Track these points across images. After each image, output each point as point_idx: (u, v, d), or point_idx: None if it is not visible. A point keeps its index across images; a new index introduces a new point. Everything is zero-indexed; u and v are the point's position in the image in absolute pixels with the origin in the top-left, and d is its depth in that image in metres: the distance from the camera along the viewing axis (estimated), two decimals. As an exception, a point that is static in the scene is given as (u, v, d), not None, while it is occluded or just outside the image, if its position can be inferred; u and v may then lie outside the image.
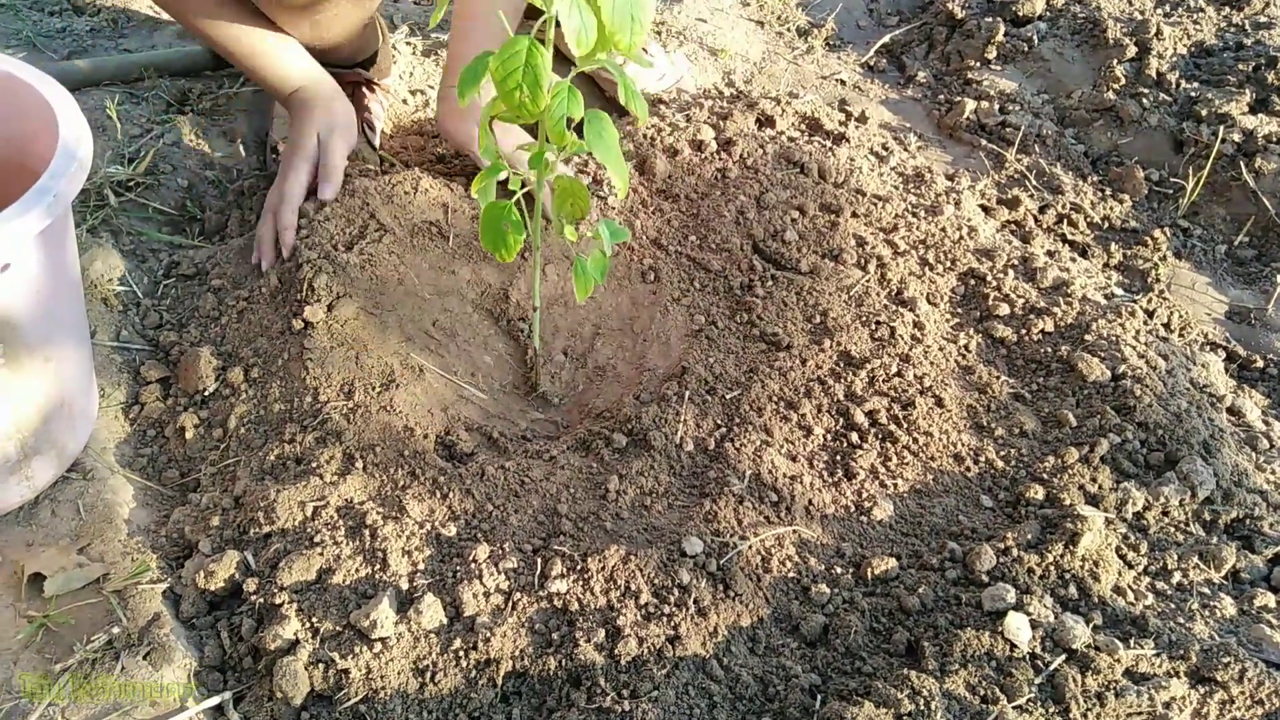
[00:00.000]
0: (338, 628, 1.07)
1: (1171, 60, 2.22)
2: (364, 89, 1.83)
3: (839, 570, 1.22)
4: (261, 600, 1.10)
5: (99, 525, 1.17)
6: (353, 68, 1.81)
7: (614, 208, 1.70)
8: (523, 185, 1.21)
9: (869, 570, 1.21)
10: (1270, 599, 1.23)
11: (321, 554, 1.12)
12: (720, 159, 1.83)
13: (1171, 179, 2.06)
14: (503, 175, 1.20)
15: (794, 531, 1.25)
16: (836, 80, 2.31)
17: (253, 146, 1.83)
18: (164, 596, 1.12)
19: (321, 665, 1.04)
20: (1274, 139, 2.00)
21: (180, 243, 1.59)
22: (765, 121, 1.99)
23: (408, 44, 2.11)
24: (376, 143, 1.84)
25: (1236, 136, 2.01)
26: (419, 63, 2.08)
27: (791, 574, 1.21)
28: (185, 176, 1.69)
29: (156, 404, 1.35)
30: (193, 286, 1.50)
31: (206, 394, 1.35)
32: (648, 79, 2.08)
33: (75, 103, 1.09)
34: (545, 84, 1.01)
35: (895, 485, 1.34)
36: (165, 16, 2.08)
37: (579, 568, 1.15)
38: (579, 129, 1.11)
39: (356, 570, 1.12)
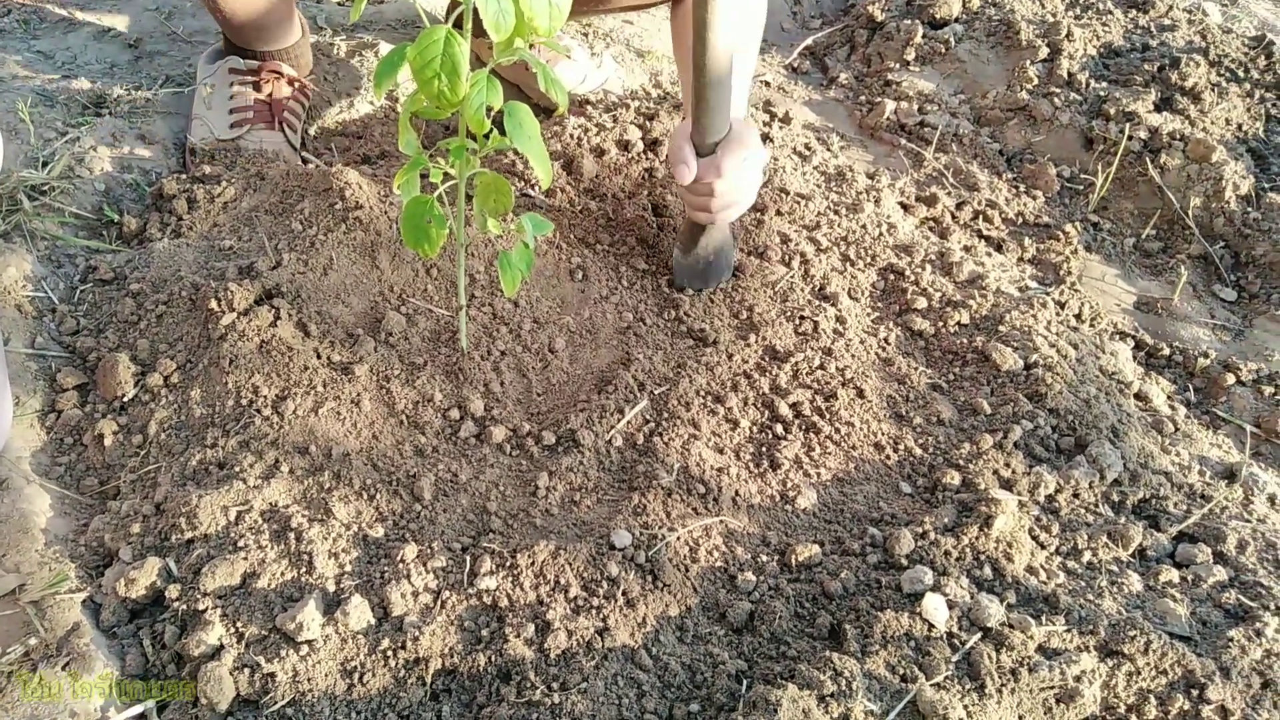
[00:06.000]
0: (263, 632, 1.06)
1: (1081, 61, 2.30)
2: (283, 83, 1.80)
3: (764, 558, 1.24)
4: (184, 607, 1.09)
5: (14, 535, 1.15)
6: (265, 57, 1.78)
7: (541, 207, 1.70)
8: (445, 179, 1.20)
9: (793, 557, 1.24)
10: (1174, 574, 1.28)
11: (245, 559, 1.12)
12: (647, 159, 1.85)
13: (1082, 175, 2.13)
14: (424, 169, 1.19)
15: (721, 522, 1.27)
16: (761, 81, 2.35)
17: (171, 149, 1.80)
18: (84, 606, 1.11)
19: (247, 670, 1.03)
20: (1178, 136, 2.08)
21: (98, 247, 1.56)
22: (691, 122, 2.01)
23: (331, 44, 2.09)
24: (297, 143, 1.82)
25: (1143, 134, 2.09)
26: (343, 63, 2.06)
27: (719, 563, 1.23)
28: (102, 180, 1.66)
29: (74, 411, 1.32)
30: (111, 291, 1.48)
31: (126, 400, 1.33)
32: (573, 80, 2.09)
33: (-19, 104, 1.07)
34: (464, 73, 1.00)
35: (818, 474, 1.37)
36: (80, 17, 2.03)
37: (509, 564, 1.16)
38: (502, 128, 1.11)
39: (282, 574, 1.12)
